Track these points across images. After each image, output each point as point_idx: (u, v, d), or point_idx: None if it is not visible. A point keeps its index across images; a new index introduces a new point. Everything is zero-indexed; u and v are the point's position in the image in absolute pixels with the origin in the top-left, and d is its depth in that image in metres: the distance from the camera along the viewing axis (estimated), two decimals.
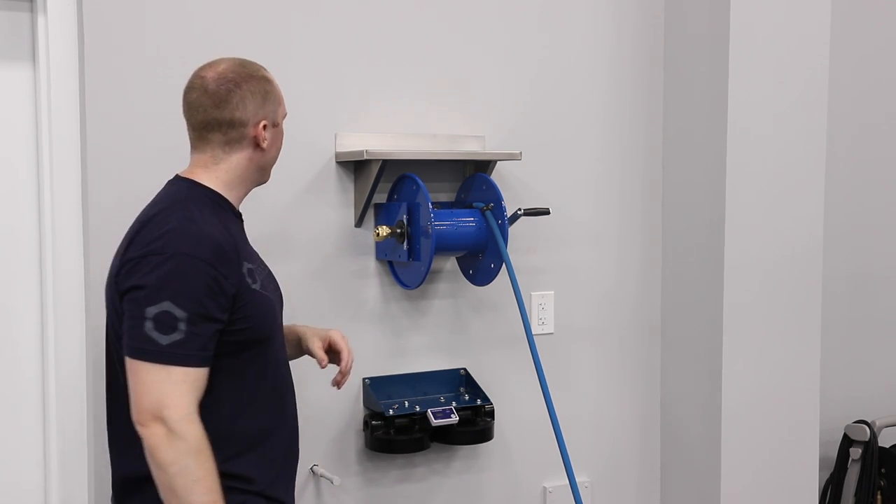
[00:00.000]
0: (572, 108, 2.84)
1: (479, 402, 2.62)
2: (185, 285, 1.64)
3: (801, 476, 2.94)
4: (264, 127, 1.84)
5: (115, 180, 2.28)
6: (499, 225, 2.47)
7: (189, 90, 1.84)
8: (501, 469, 2.79)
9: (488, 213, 2.49)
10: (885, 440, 3.41)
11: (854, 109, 3.42)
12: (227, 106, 1.80)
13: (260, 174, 1.91)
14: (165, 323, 1.62)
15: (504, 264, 2.45)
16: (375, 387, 2.56)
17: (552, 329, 2.85)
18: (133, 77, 2.29)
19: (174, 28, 2.33)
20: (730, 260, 2.76)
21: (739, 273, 2.78)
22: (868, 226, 3.51)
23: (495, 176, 2.63)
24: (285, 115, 1.94)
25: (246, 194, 1.92)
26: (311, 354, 2.06)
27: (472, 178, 2.61)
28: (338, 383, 2.08)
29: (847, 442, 3.36)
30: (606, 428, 2.96)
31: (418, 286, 2.51)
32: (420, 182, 2.42)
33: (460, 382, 2.69)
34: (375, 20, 2.56)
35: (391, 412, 2.49)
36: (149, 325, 1.62)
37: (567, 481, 2.39)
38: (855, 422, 3.35)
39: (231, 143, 1.82)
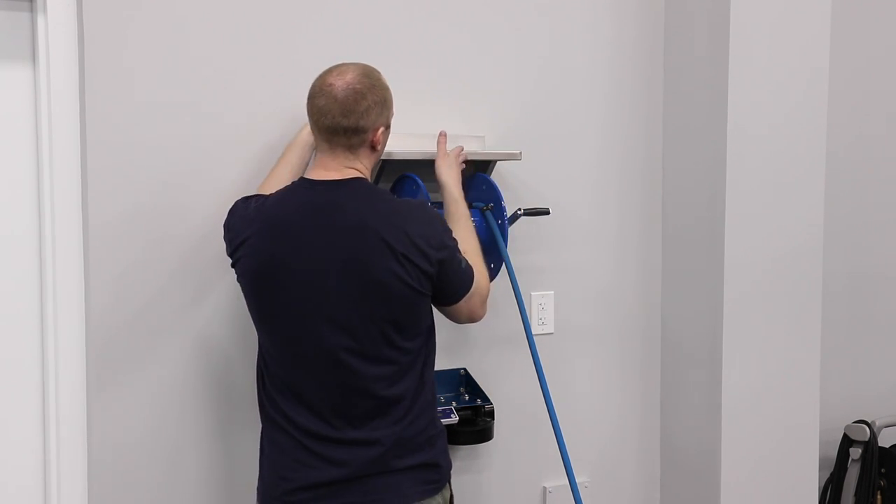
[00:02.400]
0: (572, 107, 2.84)
1: (479, 402, 2.62)
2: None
3: (801, 476, 2.94)
4: (381, 132, 2.06)
5: (115, 180, 2.28)
6: (499, 225, 2.47)
7: (317, 96, 2.02)
8: (501, 469, 2.79)
9: (488, 213, 2.49)
10: (885, 440, 3.41)
11: (854, 109, 3.42)
12: (353, 115, 2.00)
13: (372, 170, 2.17)
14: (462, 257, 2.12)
15: (504, 264, 2.45)
16: None
17: (552, 329, 2.84)
18: (133, 77, 2.29)
19: (174, 28, 2.33)
20: (730, 260, 2.76)
21: (739, 273, 2.78)
22: (868, 226, 3.51)
23: (495, 176, 2.62)
24: (393, 114, 2.13)
25: None
26: None
27: (471, 178, 2.61)
28: None
29: (847, 442, 3.36)
30: (606, 428, 2.96)
31: None
32: (420, 182, 2.42)
33: (460, 382, 2.69)
34: (375, 20, 2.56)
35: None
36: (464, 264, 2.11)
37: (567, 481, 2.39)
38: (855, 422, 3.35)
39: (353, 147, 2.04)
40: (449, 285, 2.08)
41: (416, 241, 1.99)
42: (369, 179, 2.10)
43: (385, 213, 2.00)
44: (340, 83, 2.00)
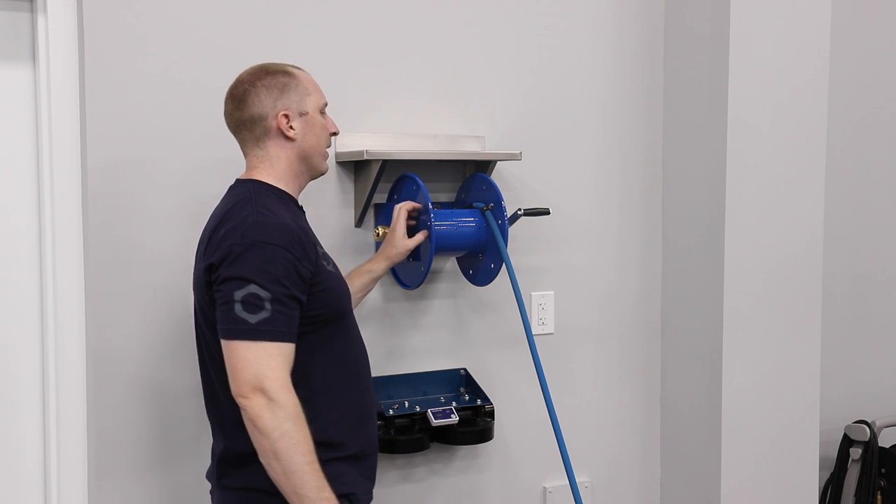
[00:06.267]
0: (572, 107, 2.84)
1: (479, 402, 2.62)
2: (266, 269, 1.78)
3: (801, 476, 2.94)
4: (287, 117, 1.93)
5: (114, 180, 2.28)
6: (499, 225, 2.47)
7: (224, 102, 1.99)
8: (501, 469, 2.80)
9: (488, 213, 2.49)
10: (885, 440, 3.41)
11: (854, 109, 3.42)
12: (244, 105, 1.93)
13: (305, 164, 2.00)
14: (252, 304, 1.76)
15: (504, 264, 2.45)
16: (376, 387, 2.56)
17: (552, 329, 2.85)
18: (133, 77, 2.29)
19: (174, 28, 2.33)
20: (730, 260, 2.76)
21: (739, 273, 2.78)
22: (868, 226, 3.51)
23: (495, 176, 2.63)
24: (324, 104, 2.03)
25: (303, 186, 2.03)
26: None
27: (472, 179, 2.61)
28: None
29: (847, 442, 3.36)
30: (606, 428, 2.96)
31: (418, 286, 2.51)
32: (420, 182, 2.42)
33: (460, 382, 2.69)
34: (375, 20, 2.56)
35: (391, 412, 2.49)
36: (238, 307, 1.76)
37: (567, 481, 2.39)
38: (855, 422, 3.35)
39: (260, 139, 1.95)
40: (217, 306, 1.81)
41: (210, 241, 1.86)
42: (283, 172, 1.95)
43: (222, 212, 1.90)
44: (234, 82, 1.97)
